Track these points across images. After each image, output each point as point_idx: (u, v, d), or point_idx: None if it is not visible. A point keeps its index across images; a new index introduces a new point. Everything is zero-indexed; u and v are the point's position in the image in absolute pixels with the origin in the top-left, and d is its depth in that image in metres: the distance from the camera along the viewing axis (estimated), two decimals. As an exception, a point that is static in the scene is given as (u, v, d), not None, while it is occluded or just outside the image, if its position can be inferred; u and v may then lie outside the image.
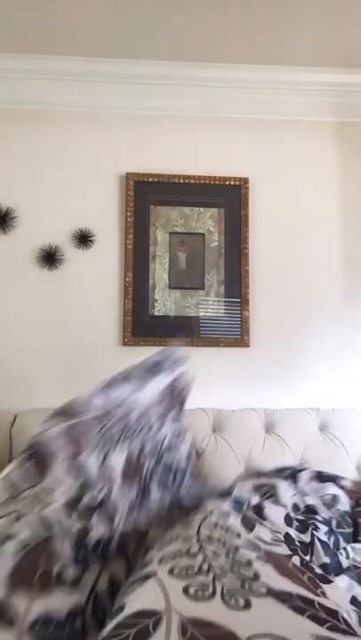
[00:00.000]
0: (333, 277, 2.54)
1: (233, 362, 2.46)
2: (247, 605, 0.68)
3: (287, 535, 0.99)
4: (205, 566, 0.76)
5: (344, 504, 1.22)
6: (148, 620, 0.64)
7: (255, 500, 1.08)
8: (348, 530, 1.12)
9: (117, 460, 1.04)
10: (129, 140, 2.52)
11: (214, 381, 2.42)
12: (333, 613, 0.70)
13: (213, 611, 0.66)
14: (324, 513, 1.13)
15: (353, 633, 0.67)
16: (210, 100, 2.52)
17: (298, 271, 2.53)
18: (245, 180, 2.53)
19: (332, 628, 0.66)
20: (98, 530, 0.90)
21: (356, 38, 2.26)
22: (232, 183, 2.52)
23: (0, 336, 2.38)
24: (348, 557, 1.04)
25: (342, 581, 0.92)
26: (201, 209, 2.52)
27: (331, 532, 1.08)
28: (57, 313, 2.42)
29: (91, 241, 2.45)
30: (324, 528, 1.07)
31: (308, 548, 0.99)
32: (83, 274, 2.45)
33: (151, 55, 2.37)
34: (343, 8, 2.08)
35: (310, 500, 1.17)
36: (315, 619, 0.68)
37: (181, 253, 2.50)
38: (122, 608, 0.69)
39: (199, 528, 0.88)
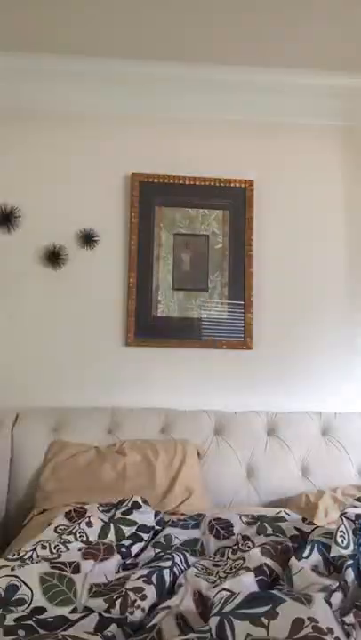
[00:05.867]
0: (338, 281, 2.54)
1: (235, 364, 2.45)
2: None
3: None
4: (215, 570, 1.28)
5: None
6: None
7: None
8: None
9: None
10: (134, 140, 2.52)
11: (216, 383, 2.42)
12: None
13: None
14: None
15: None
16: (215, 101, 2.52)
17: (302, 274, 2.53)
18: (250, 183, 2.52)
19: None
20: None
21: (364, 42, 2.26)
22: (237, 185, 2.52)
23: (3, 335, 2.38)
24: None
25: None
26: (206, 210, 2.51)
27: None
28: (60, 312, 2.41)
29: (95, 241, 2.45)
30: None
31: None
32: (86, 274, 2.44)
33: (157, 56, 2.36)
34: (350, 11, 2.08)
35: None
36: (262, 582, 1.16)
37: (185, 255, 2.50)
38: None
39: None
